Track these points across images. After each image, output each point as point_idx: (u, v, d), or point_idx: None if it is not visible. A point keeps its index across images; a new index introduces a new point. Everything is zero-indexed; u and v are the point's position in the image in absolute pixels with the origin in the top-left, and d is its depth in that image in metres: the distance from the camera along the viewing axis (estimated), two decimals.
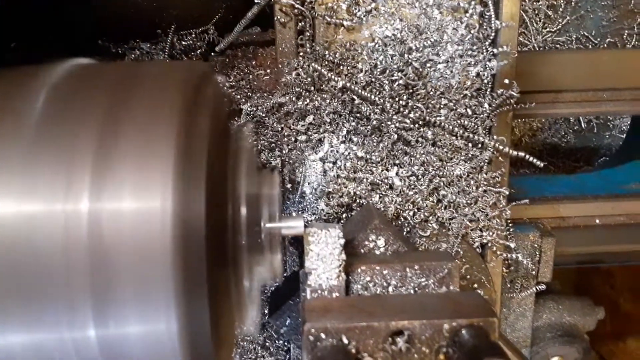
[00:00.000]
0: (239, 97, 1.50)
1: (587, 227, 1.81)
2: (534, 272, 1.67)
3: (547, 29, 2.40)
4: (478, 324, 0.98)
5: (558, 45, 2.40)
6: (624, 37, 2.39)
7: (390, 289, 1.16)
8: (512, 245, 1.52)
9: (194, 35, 1.77)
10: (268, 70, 1.52)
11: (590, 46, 2.38)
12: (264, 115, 1.45)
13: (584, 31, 2.39)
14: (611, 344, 2.72)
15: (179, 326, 0.78)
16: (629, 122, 2.50)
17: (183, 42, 1.78)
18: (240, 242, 0.96)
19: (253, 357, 1.74)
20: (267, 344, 1.73)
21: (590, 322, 2.07)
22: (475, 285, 1.45)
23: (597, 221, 1.79)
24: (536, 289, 1.69)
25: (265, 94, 1.49)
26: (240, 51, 1.54)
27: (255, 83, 1.52)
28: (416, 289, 1.15)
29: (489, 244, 1.50)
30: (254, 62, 1.53)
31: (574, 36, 2.40)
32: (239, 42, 1.52)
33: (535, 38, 2.39)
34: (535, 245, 1.64)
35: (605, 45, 2.37)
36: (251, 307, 1.03)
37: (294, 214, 1.44)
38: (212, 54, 1.56)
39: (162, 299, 0.77)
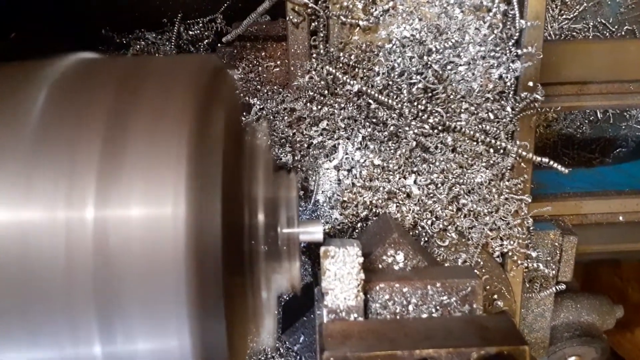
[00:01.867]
0: (247, 90, 1.43)
1: (610, 224, 1.74)
2: (554, 272, 1.62)
3: (564, 17, 2.32)
4: (508, 352, 0.93)
5: (574, 33, 2.33)
6: None
7: (410, 307, 1.11)
8: (534, 254, 1.47)
9: (201, 25, 1.73)
10: (278, 62, 1.45)
11: (607, 34, 2.31)
12: (273, 117, 1.39)
13: (601, 18, 2.31)
14: (619, 334, 2.69)
15: (192, 342, 0.74)
16: None
17: (190, 32, 1.73)
18: (258, 249, 0.91)
19: (263, 358, 1.71)
20: (277, 344, 1.69)
21: (609, 321, 2.03)
22: (495, 296, 1.40)
23: (621, 218, 1.73)
24: (556, 288, 1.63)
25: (275, 87, 1.43)
26: (249, 42, 1.47)
27: (264, 75, 1.46)
28: (438, 307, 1.10)
29: (510, 253, 1.44)
30: (263, 54, 1.46)
31: (591, 24, 2.32)
32: (248, 32, 1.44)
33: (552, 26, 2.32)
34: (556, 244, 1.58)
35: (623, 32, 2.30)
36: (268, 317, 0.98)
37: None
38: (220, 45, 1.50)
39: (174, 313, 0.72)
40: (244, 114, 1.43)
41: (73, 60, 0.87)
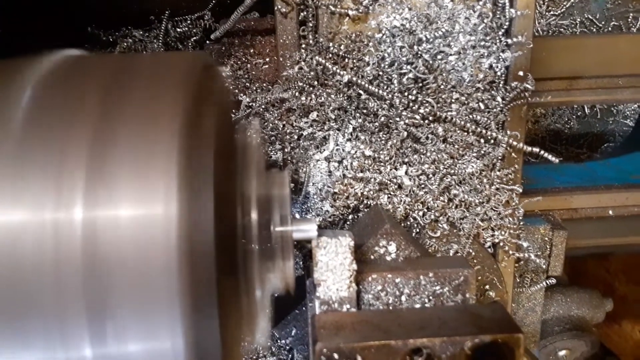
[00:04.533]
0: (236, 87, 1.41)
1: (600, 218, 1.74)
2: (544, 266, 1.61)
3: (551, 12, 2.33)
4: (502, 340, 0.92)
5: (562, 29, 2.34)
6: (629, 20, 2.32)
7: (403, 298, 1.09)
8: (525, 244, 1.46)
9: (189, 22, 1.70)
10: (267, 59, 1.44)
11: (594, 29, 2.32)
12: (263, 109, 1.38)
13: (588, 14, 2.32)
14: (606, 327, 2.71)
15: (185, 343, 0.72)
16: (634, 107, 2.45)
17: (178, 29, 1.71)
18: (251, 248, 0.89)
19: (254, 357, 1.69)
20: (268, 343, 1.67)
21: (599, 314, 2.04)
22: (487, 287, 1.39)
23: (611, 212, 1.73)
24: (546, 283, 1.64)
25: (264, 84, 1.41)
26: (237, 39, 1.45)
27: (253, 73, 1.44)
28: (430, 297, 1.09)
29: (501, 244, 1.44)
30: (252, 50, 1.45)
31: (578, 19, 2.33)
32: (236, 29, 1.43)
33: (539, 22, 2.32)
34: (546, 239, 1.58)
35: (610, 28, 2.31)
36: (262, 317, 0.97)
37: (297, 215, 1.37)
38: (208, 42, 1.48)
39: (167, 314, 0.70)
40: (235, 110, 1.41)
41: (59, 57, 0.84)
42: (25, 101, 0.74)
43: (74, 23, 1.71)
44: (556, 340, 1.93)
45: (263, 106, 1.36)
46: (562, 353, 1.95)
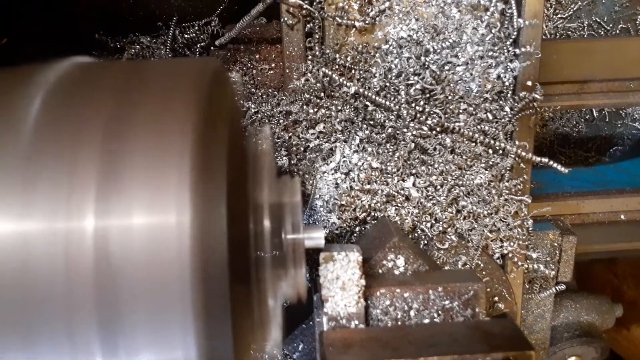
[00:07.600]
0: (242, 93, 1.41)
1: (612, 223, 1.73)
2: (553, 272, 1.60)
3: (559, 16, 2.31)
4: (514, 357, 0.91)
5: (569, 32, 2.32)
6: (637, 22, 2.30)
7: (412, 313, 1.09)
8: (534, 255, 1.45)
9: (196, 28, 1.69)
10: (272, 65, 1.43)
11: (602, 32, 2.30)
12: (268, 120, 1.37)
13: (596, 17, 2.30)
14: (614, 331, 2.68)
15: (198, 353, 0.71)
16: None
17: (185, 35, 1.70)
18: (264, 256, 0.89)
19: None
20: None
21: (609, 320, 2.02)
22: (496, 299, 1.38)
23: (623, 217, 1.72)
24: (556, 289, 1.62)
25: (270, 90, 1.40)
26: (242, 44, 1.44)
27: (259, 78, 1.43)
28: (440, 312, 1.08)
29: (510, 255, 1.42)
30: (257, 56, 1.44)
31: (586, 22, 2.31)
32: (242, 35, 1.42)
33: (547, 25, 2.31)
34: (555, 244, 1.56)
35: (618, 31, 2.29)
36: (274, 326, 0.96)
37: None
38: (213, 47, 1.47)
39: (179, 324, 0.70)
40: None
41: (69, 65, 0.84)
42: (35, 109, 0.74)
43: (82, 30, 1.70)
44: (565, 346, 1.90)
45: (268, 118, 1.35)
46: (571, 359, 1.93)
